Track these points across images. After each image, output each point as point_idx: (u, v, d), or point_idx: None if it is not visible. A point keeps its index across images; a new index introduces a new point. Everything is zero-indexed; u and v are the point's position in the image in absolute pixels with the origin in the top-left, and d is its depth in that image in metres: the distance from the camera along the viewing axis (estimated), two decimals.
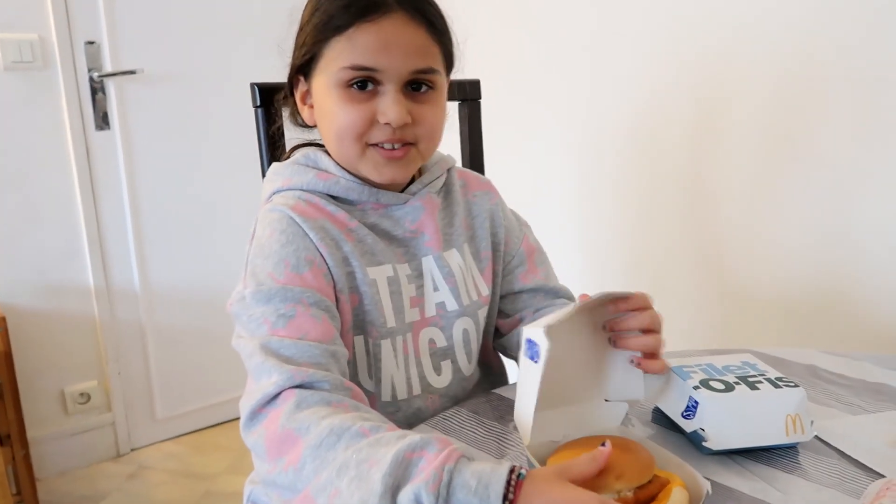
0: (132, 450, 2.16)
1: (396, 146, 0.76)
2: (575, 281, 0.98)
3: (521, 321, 0.91)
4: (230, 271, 2.21)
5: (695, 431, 0.69)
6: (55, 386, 2.01)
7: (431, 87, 0.76)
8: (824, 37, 1.26)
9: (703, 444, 0.68)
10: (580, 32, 1.71)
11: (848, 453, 0.70)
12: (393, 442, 0.56)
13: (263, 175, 1.00)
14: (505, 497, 0.51)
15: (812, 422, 0.70)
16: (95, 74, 1.95)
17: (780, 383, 0.71)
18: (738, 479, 0.66)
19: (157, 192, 2.10)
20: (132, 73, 1.98)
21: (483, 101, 1.22)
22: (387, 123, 0.74)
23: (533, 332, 0.64)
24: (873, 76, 1.20)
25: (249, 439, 0.64)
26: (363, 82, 0.73)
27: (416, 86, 0.75)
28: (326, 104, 0.76)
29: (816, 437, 0.73)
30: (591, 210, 1.79)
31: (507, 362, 1.00)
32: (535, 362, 0.63)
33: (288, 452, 0.60)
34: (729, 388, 0.70)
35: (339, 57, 0.73)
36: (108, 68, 1.97)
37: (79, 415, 2.06)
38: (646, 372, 0.73)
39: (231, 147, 2.16)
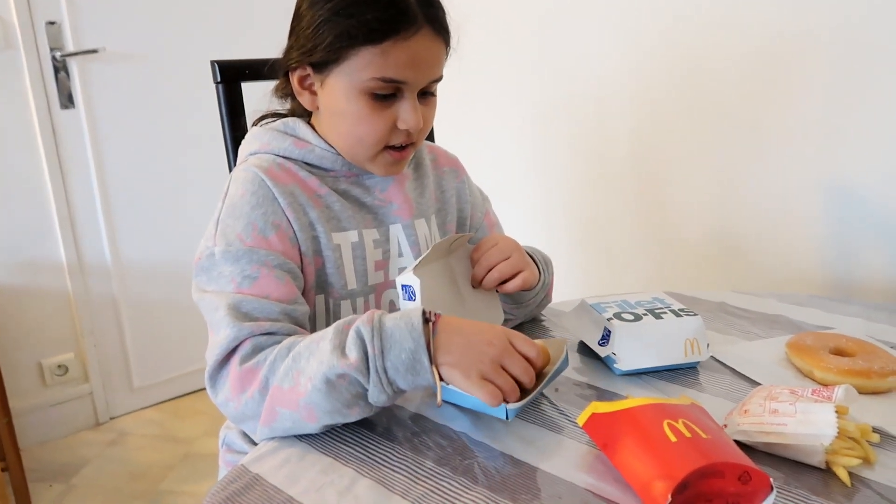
0: (111, 418, 2.24)
1: (405, 145, 0.84)
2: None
3: None
4: (197, 244, 2.29)
5: (608, 356, 0.81)
6: (33, 359, 2.08)
7: (434, 94, 0.85)
8: (728, 20, 1.37)
9: (615, 365, 0.80)
10: (529, 16, 1.80)
11: (738, 370, 0.82)
12: (331, 325, 0.68)
13: (226, 149, 1.08)
14: (426, 320, 0.65)
15: (708, 345, 0.82)
16: (58, 54, 1.99)
17: (681, 313, 0.82)
18: (644, 393, 0.78)
19: (124, 169, 2.16)
20: (94, 51, 2.02)
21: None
22: (405, 129, 0.81)
23: (404, 277, 0.77)
24: (769, 53, 1.32)
25: (217, 391, 0.72)
26: (388, 92, 0.79)
27: (423, 92, 0.82)
28: (348, 106, 0.80)
29: (713, 358, 0.85)
30: (543, 179, 1.89)
31: None
32: (413, 300, 0.76)
33: (250, 383, 0.68)
34: (637, 318, 0.81)
35: (368, 66, 0.77)
36: (70, 48, 2.01)
37: (57, 386, 2.13)
38: (505, 292, 0.87)
39: (194, 122, 2.22)
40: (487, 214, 1.03)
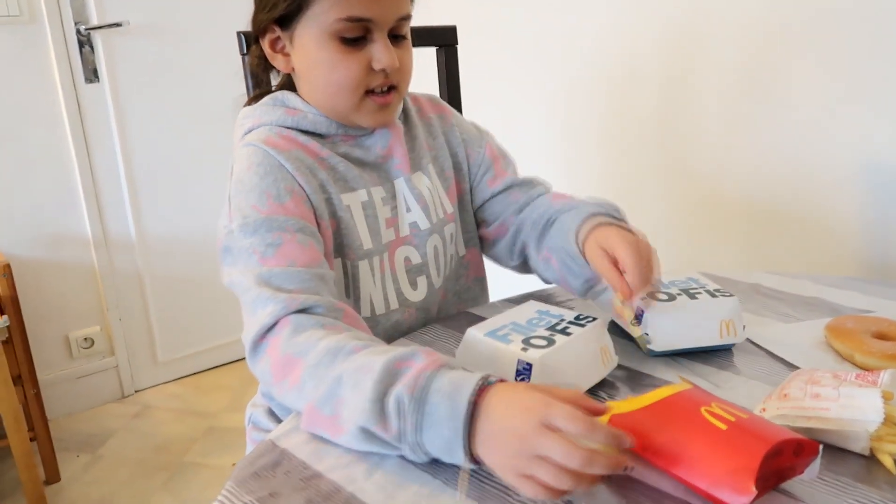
0: (136, 391, 2.27)
1: (385, 89, 0.82)
2: None
3: (505, 227, 0.96)
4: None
5: (641, 336, 0.79)
6: (59, 332, 2.10)
7: (406, 36, 0.83)
8: None
9: (648, 346, 0.78)
10: None
11: (775, 352, 0.79)
12: (384, 353, 0.61)
13: None
14: (470, 401, 0.55)
15: (744, 326, 0.80)
16: (82, 28, 1.99)
17: (716, 294, 0.80)
18: (675, 374, 0.76)
19: (149, 142, 2.16)
20: (118, 25, 2.02)
21: (461, 47, 1.28)
22: (381, 69, 0.79)
23: (526, 354, 0.67)
24: (805, 25, 1.27)
25: (256, 369, 0.70)
26: (356, 34, 0.78)
27: (395, 35, 0.81)
28: (319, 55, 0.80)
29: (749, 340, 0.82)
30: (569, 152, 1.86)
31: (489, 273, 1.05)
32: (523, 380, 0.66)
33: (290, 374, 0.65)
34: (671, 298, 0.79)
35: (332, 7, 0.76)
36: (94, 21, 2.00)
37: (83, 359, 2.16)
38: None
39: (218, 95, 2.20)
40: (488, 147, 0.99)
